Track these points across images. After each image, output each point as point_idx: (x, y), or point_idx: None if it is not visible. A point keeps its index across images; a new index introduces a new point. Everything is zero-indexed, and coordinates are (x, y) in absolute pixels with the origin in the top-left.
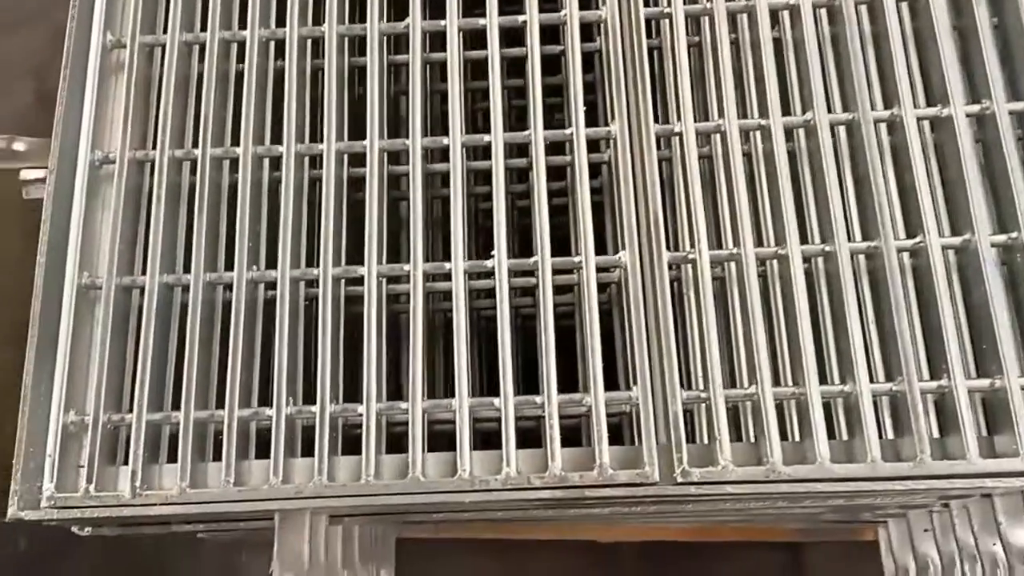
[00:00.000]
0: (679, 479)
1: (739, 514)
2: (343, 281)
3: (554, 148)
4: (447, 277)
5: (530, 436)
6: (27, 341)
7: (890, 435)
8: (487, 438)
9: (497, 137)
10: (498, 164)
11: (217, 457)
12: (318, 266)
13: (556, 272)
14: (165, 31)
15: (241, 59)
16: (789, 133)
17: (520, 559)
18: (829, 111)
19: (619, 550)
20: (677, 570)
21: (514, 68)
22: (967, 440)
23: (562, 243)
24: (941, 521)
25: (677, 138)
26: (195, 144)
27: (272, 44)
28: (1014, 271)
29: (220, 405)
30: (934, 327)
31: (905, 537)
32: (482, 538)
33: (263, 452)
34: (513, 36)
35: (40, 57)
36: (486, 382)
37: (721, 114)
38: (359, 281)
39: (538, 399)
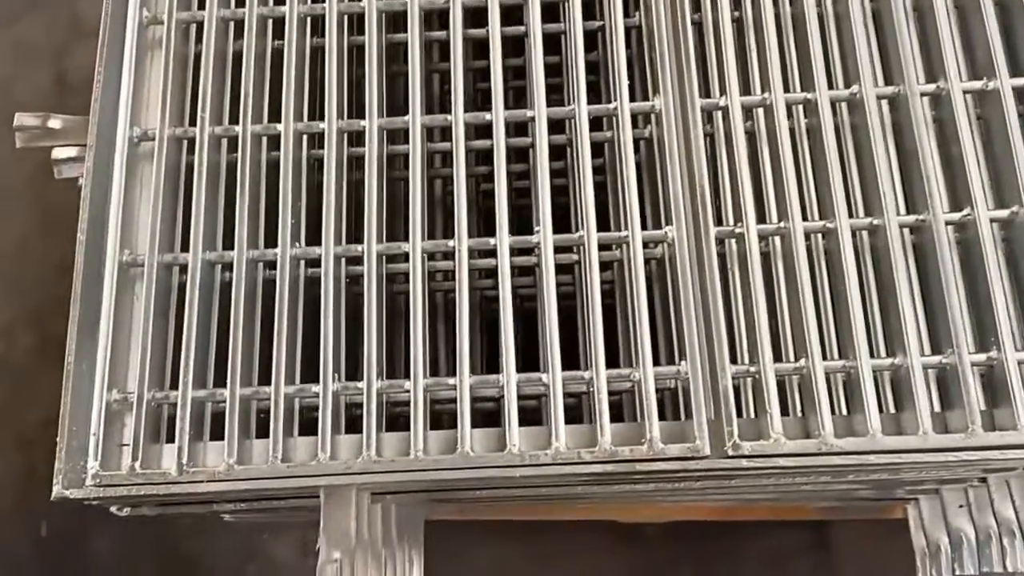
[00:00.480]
0: (730, 452)
1: (774, 491)
2: (385, 259)
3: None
4: (492, 254)
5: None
6: (46, 325)
7: (937, 408)
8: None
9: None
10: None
11: (260, 435)
12: (362, 243)
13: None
14: (202, 7)
15: (278, 36)
16: (833, 107)
17: (544, 541)
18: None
19: (643, 531)
20: (702, 550)
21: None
22: (1018, 411)
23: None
24: (977, 496)
25: (721, 112)
26: (233, 121)
27: (309, 20)
28: None
29: (264, 383)
30: (982, 300)
31: (938, 513)
32: (506, 520)
33: (303, 432)
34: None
35: (58, 41)
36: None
37: (765, 88)
38: (400, 259)
39: (585, 374)
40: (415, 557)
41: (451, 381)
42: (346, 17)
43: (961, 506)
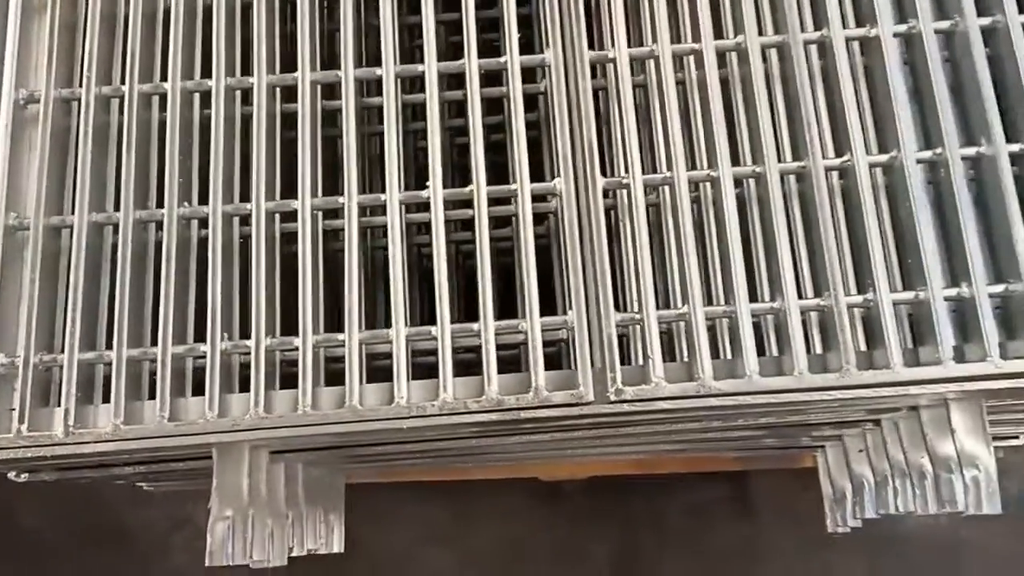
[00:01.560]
0: (612, 397)
1: (679, 441)
2: (277, 217)
3: (492, 81)
4: (383, 211)
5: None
6: None
7: (820, 351)
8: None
9: (431, 68)
10: (432, 96)
11: (153, 396)
12: (252, 201)
13: (494, 203)
14: None
15: None
16: (722, 58)
17: (466, 500)
18: (760, 35)
19: (563, 488)
20: (624, 505)
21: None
22: (891, 350)
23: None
24: (874, 440)
25: (612, 65)
26: (123, 81)
27: None
28: (939, 187)
29: (155, 343)
30: (861, 244)
31: (841, 460)
32: (428, 480)
33: (201, 392)
34: None
35: None
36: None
37: (655, 40)
38: (294, 217)
39: (475, 326)
40: (334, 518)
41: (340, 337)
42: None
43: (860, 451)
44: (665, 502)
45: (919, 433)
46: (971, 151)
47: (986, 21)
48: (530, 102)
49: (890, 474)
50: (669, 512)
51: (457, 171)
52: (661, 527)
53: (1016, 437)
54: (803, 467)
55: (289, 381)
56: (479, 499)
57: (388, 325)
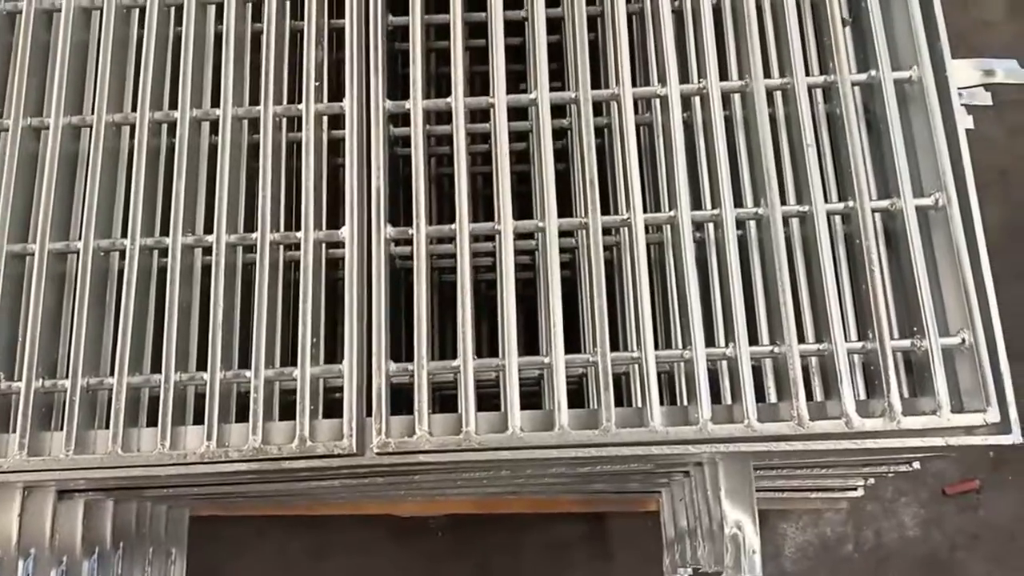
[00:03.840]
0: (376, 450)
1: (500, 486)
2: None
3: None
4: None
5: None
6: None
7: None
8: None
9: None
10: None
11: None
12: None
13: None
14: None
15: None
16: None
17: (324, 534)
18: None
19: (426, 523)
20: (483, 542)
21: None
22: (650, 409)
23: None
24: (688, 491)
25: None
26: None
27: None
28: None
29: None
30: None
31: (670, 507)
32: (283, 515)
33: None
34: None
35: None
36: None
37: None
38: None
39: (248, 373)
40: (176, 552)
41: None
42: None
43: (681, 499)
44: (523, 540)
45: (703, 489)
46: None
47: None
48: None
49: (694, 527)
50: (527, 550)
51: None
52: (519, 565)
53: (855, 488)
54: (655, 510)
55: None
56: (338, 533)
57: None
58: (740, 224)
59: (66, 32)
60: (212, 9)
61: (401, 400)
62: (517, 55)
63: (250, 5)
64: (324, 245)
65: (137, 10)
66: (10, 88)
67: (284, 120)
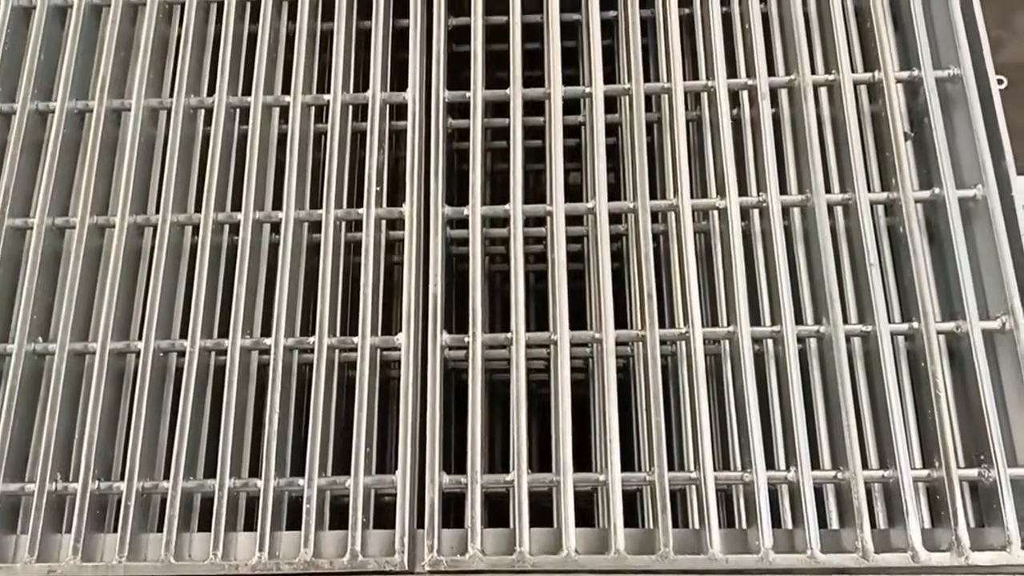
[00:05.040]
0: (427, 567)
1: None
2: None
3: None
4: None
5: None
6: None
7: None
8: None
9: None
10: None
11: None
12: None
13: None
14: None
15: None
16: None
17: None
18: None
19: None
20: None
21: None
22: (710, 535)
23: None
24: None
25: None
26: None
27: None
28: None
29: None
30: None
31: None
32: None
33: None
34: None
35: None
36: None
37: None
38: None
39: (301, 481)
40: None
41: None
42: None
43: None
44: None
45: None
46: None
47: None
48: None
49: None
50: None
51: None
52: None
53: None
54: None
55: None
56: None
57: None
58: (800, 340)
59: (135, 130)
60: (277, 111)
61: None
62: (574, 155)
63: (313, 108)
64: (380, 350)
65: (203, 111)
66: (77, 185)
67: (344, 223)
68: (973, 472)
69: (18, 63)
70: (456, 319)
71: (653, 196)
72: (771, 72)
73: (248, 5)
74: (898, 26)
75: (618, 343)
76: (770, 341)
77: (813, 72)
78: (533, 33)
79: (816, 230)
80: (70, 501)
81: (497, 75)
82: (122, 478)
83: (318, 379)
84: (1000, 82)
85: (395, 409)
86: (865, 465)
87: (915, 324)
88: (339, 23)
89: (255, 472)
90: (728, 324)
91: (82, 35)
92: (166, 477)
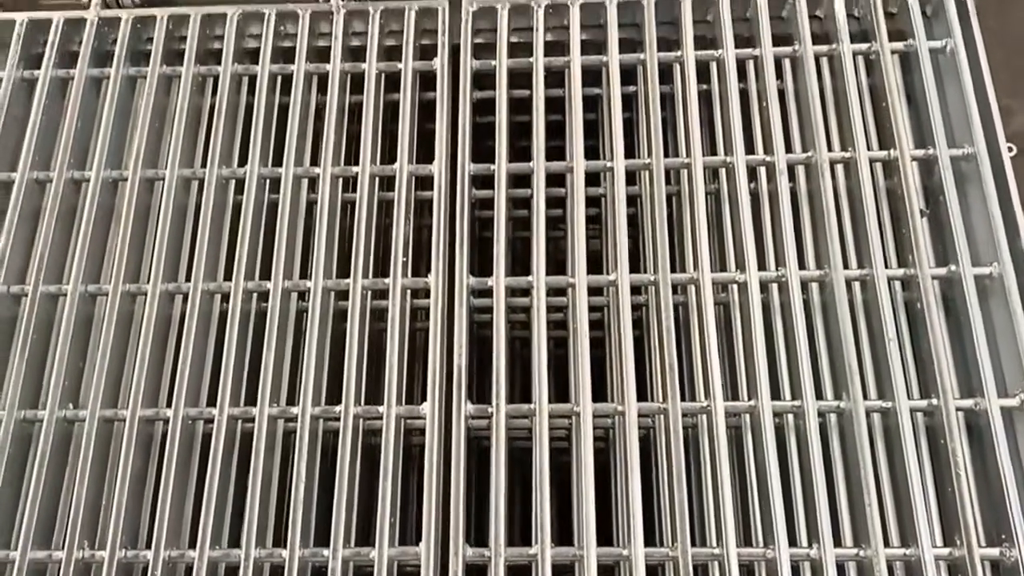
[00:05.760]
0: None
1: None
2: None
3: None
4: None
5: None
6: None
7: None
8: None
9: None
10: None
11: None
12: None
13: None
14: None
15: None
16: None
17: None
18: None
19: None
20: None
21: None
22: None
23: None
24: None
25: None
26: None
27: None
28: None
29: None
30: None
31: None
32: None
33: None
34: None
35: None
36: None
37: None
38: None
39: (326, 552)
40: None
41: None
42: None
43: None
44: None
45: None
46: None
47: None
48: None
49: None
50: None
51: None
52: None
53: None
54: None
55: None
56: None
57: None
58: (820, 415)
59: (168, 199)
60: (306, 181)
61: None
62: (592, 220)
63: (341, 180)
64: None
65: (234, 180)
66: (110, 253)
67: (370, 292)
68: (995, 551)
69: (54, 132)
70: (476, 384)
71: (673, 268)
72: (788, 148)
73: (279, 79)
74: (911, 101)
75: (640, 415)
76: (791, 415)
77: (829, 149)
78: (554, 106)
79: (835, 304)
80: (96, 568)
81: (519, 144)
82: (148, 546)
83: (343, 448)
84: (1010, 150)
85: (416, 477)
86: (887, 543)
87: (934, 401)
88: (368, 98)
89: (279, 541)
90: (749, 398)
91: (117, 107)
92: (191, 546)
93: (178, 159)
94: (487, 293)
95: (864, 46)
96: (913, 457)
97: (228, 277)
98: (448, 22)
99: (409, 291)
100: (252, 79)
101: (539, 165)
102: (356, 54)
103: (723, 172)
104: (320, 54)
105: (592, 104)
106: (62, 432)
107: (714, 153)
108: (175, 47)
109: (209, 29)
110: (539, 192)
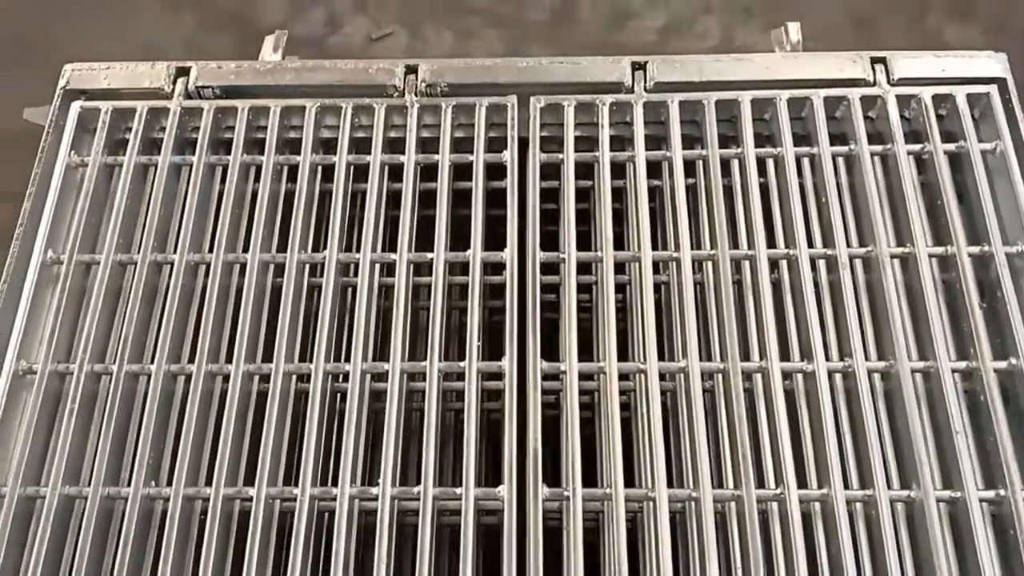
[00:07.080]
0: None
1: None
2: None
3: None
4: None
5: None
6: None
7: None
8: None
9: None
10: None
11: None
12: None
13: None
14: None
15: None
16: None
17: None
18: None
19: None
20: None
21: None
22: None
23: None
24: None
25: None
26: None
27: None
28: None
29: None
30: None
31: None
32: None
33: None
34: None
35: None
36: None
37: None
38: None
39: None
40: None
41: None
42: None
43: None
44: None
45: None
46: None
47: None
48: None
49: None
50: None
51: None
52: None
53: None
54: None
55: None
56: None
57: None
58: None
59: (176, 279)
60: (378, 267)
61: None
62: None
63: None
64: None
65: (309, 266)
66: (116, 332)
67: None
68: None
69: (135, 216)
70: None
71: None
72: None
73: (353, 168)
74: (961, 199)
75: (715, 500)
76: (859, 504)
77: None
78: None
79: (901, 394)
80: None
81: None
82: None
83: (423, 530)
84: None
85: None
86: None
87: (1001, 492)
88: (442, 186)
89: None
90: (819, 486)
91: (201, 192)
92: None
93: (259, 244)
94: (554, 377)
95: (917, 147)
96: (985, 549)
97: (304, 358)
98: (516, 117)
99: (482, 374)
100: (326, 168)
101: (607, 255)
102: (425, 145)
103: (784, 264)
104: (391, 145)
105: (650, 195)
106: (64, 509)
107: (773, 246)
108: (253, 136)
109: (287, 120)
110: (608, 283)
